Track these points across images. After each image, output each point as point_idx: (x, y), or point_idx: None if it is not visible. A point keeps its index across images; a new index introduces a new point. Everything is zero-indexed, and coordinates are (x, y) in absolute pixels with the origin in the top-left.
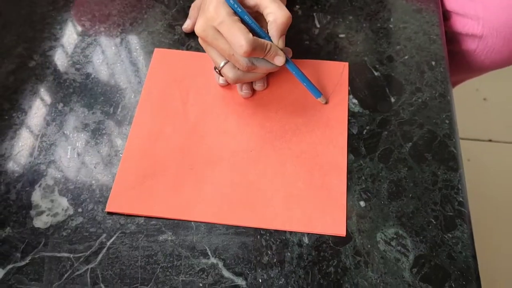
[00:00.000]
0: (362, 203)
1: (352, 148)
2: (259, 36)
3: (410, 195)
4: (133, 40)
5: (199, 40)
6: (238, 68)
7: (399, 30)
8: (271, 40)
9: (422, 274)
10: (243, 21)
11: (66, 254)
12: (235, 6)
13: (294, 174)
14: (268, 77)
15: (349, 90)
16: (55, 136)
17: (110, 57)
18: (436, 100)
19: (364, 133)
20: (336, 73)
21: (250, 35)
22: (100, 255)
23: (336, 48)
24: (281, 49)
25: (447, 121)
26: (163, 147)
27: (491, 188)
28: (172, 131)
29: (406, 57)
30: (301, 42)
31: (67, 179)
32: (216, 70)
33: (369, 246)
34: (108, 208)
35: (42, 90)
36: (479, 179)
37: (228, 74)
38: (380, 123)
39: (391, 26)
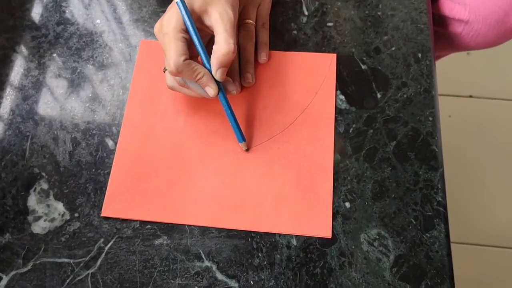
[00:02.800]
0: (347, 204)
1: (338, 148)
2: (204, 65)
3: (393, 196)
4: (118, 29)
5: None
6: None
7: (387, 18)
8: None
9: (401, 274)
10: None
11: (66, 260)
12: (188, 23)
13: (283, 175)
14: (256, 72)
15: (336, 85)
16: (45, 137)
17: (95, 48)
18: (421, 95)
19: (350, 131)
20: (324, 66)
21: (182, 58)
22: (99, 260)
23: (324, 39)
24: (220, 81)
25: (430, 118)
26: (154, 148)
27: (471, 144)
28: (162, 131)
29: (393, 48)
30: (289, 32)
31: (61, 183)
32: (164, 69)
33: (353, 247)
34: (104, 213)
35: (27, 86)
36: (459, 135)
37: (167, 79)
38: (366, 120)
39: (379, 13)
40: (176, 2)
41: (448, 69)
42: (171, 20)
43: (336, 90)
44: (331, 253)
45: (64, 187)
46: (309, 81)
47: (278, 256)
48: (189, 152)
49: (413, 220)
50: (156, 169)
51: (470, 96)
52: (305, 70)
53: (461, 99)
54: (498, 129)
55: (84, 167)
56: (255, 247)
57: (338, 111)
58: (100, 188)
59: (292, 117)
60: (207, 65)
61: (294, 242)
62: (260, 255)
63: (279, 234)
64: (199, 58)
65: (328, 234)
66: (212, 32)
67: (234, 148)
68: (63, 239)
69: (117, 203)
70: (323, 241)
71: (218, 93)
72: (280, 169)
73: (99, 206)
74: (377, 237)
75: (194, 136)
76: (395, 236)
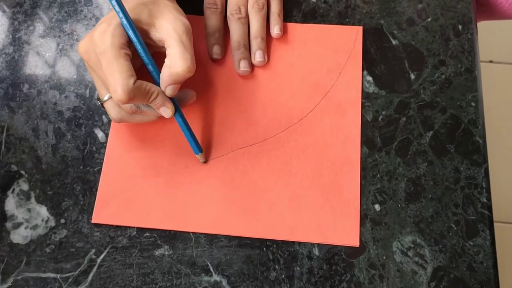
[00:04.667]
0: (377, 207)
1: (366, 139)
2: (153, 78)
3: (430, 196)
4: None
5: None
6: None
7: None
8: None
9: None
10: (135, 55)
11: (52, 275)
12: (130, 32)
13: (301, 173)
14: (268, 49)
15: (363, 65)
16: (23, 128)
17: (79, 20)
18: (462, 76)
19: (379, 119)
20: (348, 41)
21: (132, 80)
22: (91, 275)
23: (348, 8)
24: (172, 97)
25: (473, 104)
26: (152, 142)
27: (492, 111)
28: (160, 120)
29: (429, 19)
30: (307, 0)
31: (44, 183)
32: (99, 102)
33: (384, 257)
34: (95, 219)
35: (1, 67)
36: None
37: (111, 111)
38: (398, 106)
39: None
40: (112, 5)
41: None
42: (106, 35)
43: (363, 70)
44: (359, 264)
45: (48, 188)
46: (331, 59)
47: (298, 268)
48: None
49: (453, 226)
50: (156, 166)
51: (491, 61)
52: (325, 46)
53: (481, 65)
54: None
55: (70, 163)
56: (271, 258)
57: (365, 96)
58: (90, 189)
59: (311, 102)
60: (158, 80)
61: (316, 251)
62: (277, 267)
63: (299, 243)
64: None
65: (356, 243)
66: (160, 48)
67: (244, 140)
68: (48, 250)
69: (110, 207)
70: (349, 251)
71: (175, 113)
72: (298, 165)
73: (89, 210)
74: (412, 245)
75: (197, 128)
76: (433, 244)
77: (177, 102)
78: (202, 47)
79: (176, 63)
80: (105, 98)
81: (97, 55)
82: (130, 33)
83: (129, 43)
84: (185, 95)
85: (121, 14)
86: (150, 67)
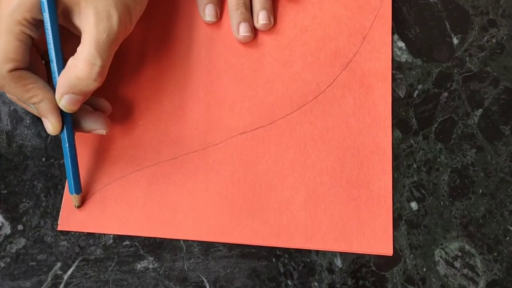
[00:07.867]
0: (413, 205)
1: (398, 120)
2: (53, 80)
3: (480, 191)
4: None
5: None
6: None
7: None
8: None
9: None
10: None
11: None
12: (45, 14)
13: (319, 163)
14: (275, 9)
15: (393, 27)
16: None
17: None
18: None
19: (415, 95)
20: None
21: (8, 66)
22: None
23: None
24: (68, 111)
25: None
26: (132, 127)
27: None
28: (141, 101)
29: None
30: None
31: None
32: None
33: (424, 269)
34: (61, 225)
35: None
36: None
37: None
38: (438, 79)
39: None
40: None
41: None
42: (10, 3)
43: (393, 34)
44: (392, 278)
45: (1, 186)
46: (353, 21)
47: (316, 283)
48: (182, 131)
49: (511, 228)
50: (137, 158)
51: None
52: (346, 5)
53: None
54: None
55: (30, 155)
56: (282, 271)
57: (397, 65)
58: (55, 187)
59: (329, 75)
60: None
61: (338, 262)
62: (289, 283)
63: (317, 252)
64: None
65: (388, 251)
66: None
67: (247, 123)
68: (2, 263)
69: (80, 209)
70: (380, 261)
71: (60, 131)
72: (315, 154)
73: (53, 214)
74: (459, 253)
75: (187, 108)
76: (486, 252)
77: (70, 120)
78: (193, 8)
79: (79, 65)
80: None
81: None
82: (46, 15)
83: (39, 21)
84: (92, 119)
85: None
86: (54, 65)
